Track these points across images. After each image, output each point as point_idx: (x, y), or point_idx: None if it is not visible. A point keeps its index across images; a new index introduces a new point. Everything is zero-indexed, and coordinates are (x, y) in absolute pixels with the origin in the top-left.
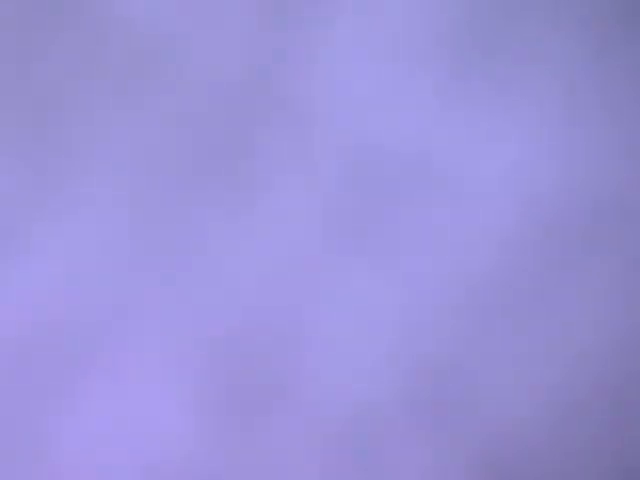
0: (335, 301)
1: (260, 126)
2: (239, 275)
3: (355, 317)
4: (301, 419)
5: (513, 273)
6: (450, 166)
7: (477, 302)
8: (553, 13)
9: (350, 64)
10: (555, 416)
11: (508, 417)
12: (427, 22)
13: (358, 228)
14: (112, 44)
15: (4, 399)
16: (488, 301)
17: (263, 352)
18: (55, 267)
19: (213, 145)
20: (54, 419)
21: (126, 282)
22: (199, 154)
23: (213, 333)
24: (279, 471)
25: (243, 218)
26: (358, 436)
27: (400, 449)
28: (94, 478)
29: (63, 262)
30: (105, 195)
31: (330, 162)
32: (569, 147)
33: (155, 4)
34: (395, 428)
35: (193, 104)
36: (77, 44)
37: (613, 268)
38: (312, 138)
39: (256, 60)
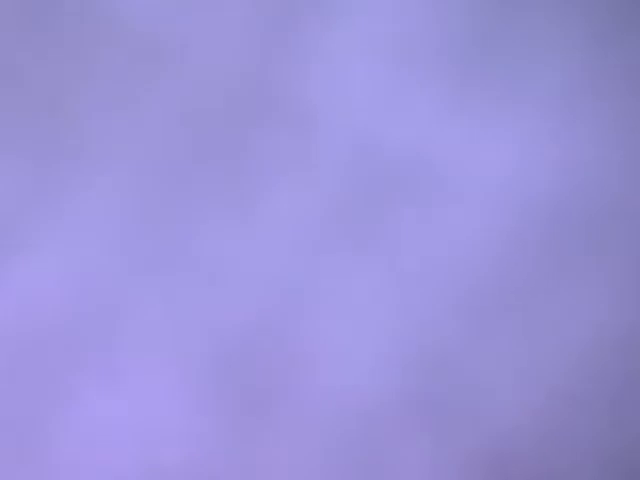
0: (335, 301)
1: (260, 126)
2: (239, 275)
3: (355, 317)
4: (301, 419)
5: (513, 273)
6: (450, 166)
7: (477, 302)
8: (552, 14)
9: (350, 64)
10: (555, 416)
11: (508, 416)
12: (426, 23)
13: (358, 228)
14: (112, 44)
15: (4, 399)
16: (488, 301)
17: (263, 352)
18: (55, 267)
19: (213, 145)
20: (54, 419)
21: (126, 282)
22: (199, 154)
23: (213, 333)
24: (279, 471)
25: (243, 218)
26: (358, 436)
27: (400, 448)
28: (94, 478)
29: (63, 262)
30: (105, 195)
31: (330, 162)
32: (569, 148)
33: (155, 4)
34: (395, 428)
35: (193, 104)
36: (77, 44)
37: (613, 268)
38: (312, 138)
39: (256, 60)
